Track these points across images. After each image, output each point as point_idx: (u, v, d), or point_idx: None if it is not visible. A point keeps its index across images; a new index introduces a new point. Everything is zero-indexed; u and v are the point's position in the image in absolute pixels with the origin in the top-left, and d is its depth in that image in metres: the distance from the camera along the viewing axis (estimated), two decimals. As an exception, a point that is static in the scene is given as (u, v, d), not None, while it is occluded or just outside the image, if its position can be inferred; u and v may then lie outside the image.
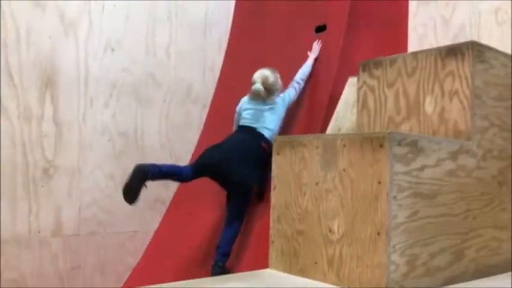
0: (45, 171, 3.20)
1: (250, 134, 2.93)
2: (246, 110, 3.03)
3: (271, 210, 1.95)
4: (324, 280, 1.69)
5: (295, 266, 1.75)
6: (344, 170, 1.63)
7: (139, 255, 3.47)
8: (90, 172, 3.38)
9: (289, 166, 1.86)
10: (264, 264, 1.96)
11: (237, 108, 3.13)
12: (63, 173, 3.26)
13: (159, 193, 3.62)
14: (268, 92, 2.99)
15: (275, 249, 1.86)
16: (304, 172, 1.80)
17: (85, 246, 3.32)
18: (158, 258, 3.20)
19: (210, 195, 3.21)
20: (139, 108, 3.62)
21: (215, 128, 3.66)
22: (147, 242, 3.51)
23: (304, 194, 1.78)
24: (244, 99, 3.10)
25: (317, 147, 1.73)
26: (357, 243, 1.57)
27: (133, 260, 3.46)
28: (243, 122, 3.01)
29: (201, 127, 3.83)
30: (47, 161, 3.21)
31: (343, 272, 1.60)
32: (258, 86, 2.98)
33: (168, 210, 3.54)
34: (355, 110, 2.37)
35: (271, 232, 1.90)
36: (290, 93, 3.08)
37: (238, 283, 1.59)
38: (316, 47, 3.22)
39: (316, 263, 1.68)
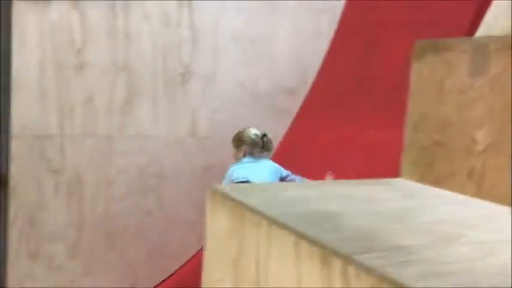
0: (182, 75, 3.38)
1: None
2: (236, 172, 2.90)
3: (407, 118, 1.87)
4: (462, 191, 1.61)
5: (430, 176, 1.69)
6: (496, 76, 1.48)
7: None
8: (223, 78, 3.50)
9: (430, 72, 1.74)
10: (394, 174, 1.92)
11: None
12: (198, 78, 3.42)
13: (287, 104, 3.67)
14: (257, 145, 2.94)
15: (409, 158, 1.79)
16: (447, 79, 1.67)
17: (217, 148, 3.53)
18: (285, 161, 3.30)
19: (341, 107, 3.18)
20: (270, 15, 3.59)
21: (345, 38, 3.54)
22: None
23: (446, 102, 1.66)
24: (232, 170, 2.94)
25: (465, 51, 1.59)
26: (504, 155, 1.45)
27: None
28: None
29: (331, 36, 3.72)
30: (184, 66, 3.38)
31: (485, 184, 1.51)
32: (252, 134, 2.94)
33: (295, 118, 3.59)
34: (509, 14, 2.12)
35: (405, 141, 1.82)
36: (290, 173, 2.96)
37: (373, 188, 1.57)
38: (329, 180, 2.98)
39: (454, 173, 1.60)
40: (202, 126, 3.48)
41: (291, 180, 2.97)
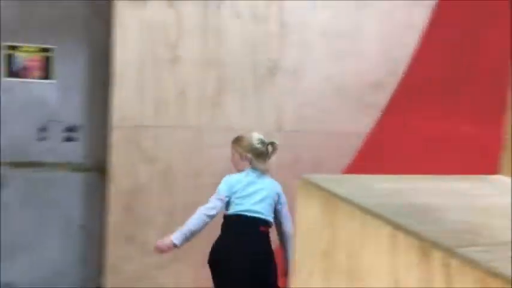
0: (270, 70, 3.43)
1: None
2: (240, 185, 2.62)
3: (508, 113, 1.78)
4: None
5: (533, 173, 1.60)
6: None
7: (352, 156, 3.58)
8: (310, 72, 3.51)
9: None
10: (490, 171, 1.84)
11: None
12: (286, 73, 3.45)
13: (374, 98, 3.60)
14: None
15: (510, 155, 1.71)
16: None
17: (303, 142, 3.54)
18: (371, 156, 3.25)
19: (432, 103, 3.08)
20: (359, 9, 3.54)
21: (437, 31, 3.40)
22: (359, 143, 3.59)
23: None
24: (233, 179, 2.64)
25: None
26: None
27: (345, 160, 3.58)
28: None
29: (423, 29, 3.60)
30: (272, 60, 3.43)
31: None
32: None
33: (383, 113, 3.52)
34: None
35: (506, 137, 1.74)
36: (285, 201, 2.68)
37: (470, 183, 1.52)
38: None
39: (560, 171, 1.50)
40: (288, 120, 3.51)
41: (281, 206, 2.69)
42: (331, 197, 1.34)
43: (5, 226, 3.26)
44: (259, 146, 2.66)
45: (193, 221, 2.54)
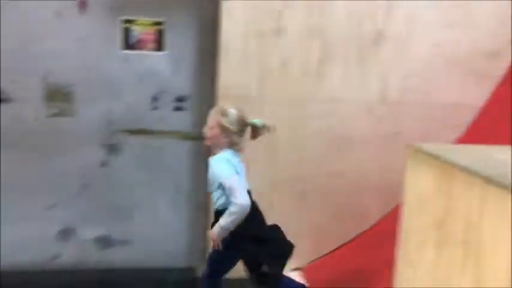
0: (374, 40, 3.34)
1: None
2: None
3: None
4: None
5: None
6: None
7: (462, 129, 3.42)
8: (417, 42, 3.37)
9: None
10: None
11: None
12: (392, 42, 3.35)
13: (488, 69, 3.39)
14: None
15: None
16: None
17: (407, 114, 3.43)
18: (483, 132, 3.08)
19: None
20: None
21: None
22: (470, 117, 3.41)
23: None
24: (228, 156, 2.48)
25: None
26: None
27: (453, 133, 3.43)
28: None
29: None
30: (377, 30, 3.33)
31: None
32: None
33: (499, 85, 3.31)
34: None
35: None
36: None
37: None
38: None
39: None
40: (393, 91, 3.42)
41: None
42: (447, 165, 1.31)
43: (121, 189, 3.54)
44: (244, 123, 2.52)
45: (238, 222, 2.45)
